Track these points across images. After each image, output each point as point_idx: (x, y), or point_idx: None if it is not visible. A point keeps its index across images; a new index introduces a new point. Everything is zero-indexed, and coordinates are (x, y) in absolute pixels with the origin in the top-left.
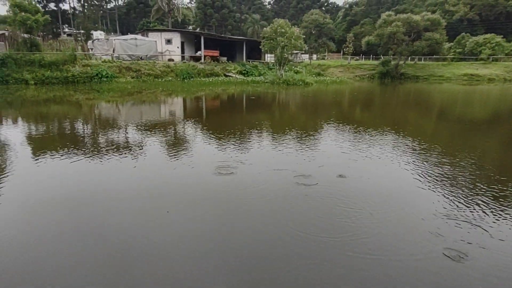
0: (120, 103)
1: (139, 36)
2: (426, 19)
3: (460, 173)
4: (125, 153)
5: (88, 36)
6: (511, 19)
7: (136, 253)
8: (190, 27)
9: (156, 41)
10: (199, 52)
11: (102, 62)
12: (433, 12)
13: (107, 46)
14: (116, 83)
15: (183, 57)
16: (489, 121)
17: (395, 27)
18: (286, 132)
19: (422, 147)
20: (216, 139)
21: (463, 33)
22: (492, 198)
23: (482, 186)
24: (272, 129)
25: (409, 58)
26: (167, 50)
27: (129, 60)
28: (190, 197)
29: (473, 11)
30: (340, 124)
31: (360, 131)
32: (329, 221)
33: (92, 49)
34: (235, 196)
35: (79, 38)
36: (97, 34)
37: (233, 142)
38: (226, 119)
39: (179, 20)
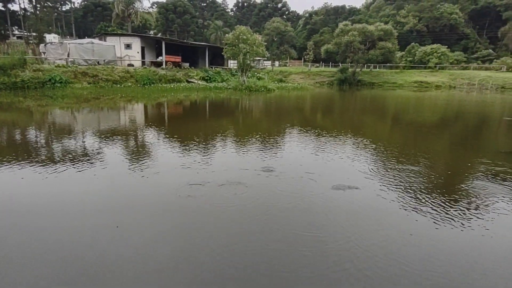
0: (76, 110)
1: (96, 40)
2: (379, 29)
3: (402, 164)
4: (79, 164)
5: (41, 39)
6: (454, 31)
7: (88, 268)
8: (151, 32)
9: (114, 46)
10: (160, 58)
11: (56, 66)
12: (386, 23)
13: (61, 50)
14: (71, 89)
15: (143, 63)
16: (438, 125)
17: (351, 36)
18: (249, 138)
19: (380, 147)
20: (178, 146)
21: (413, 43)
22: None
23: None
24: (235, 135)
25: (365, 65)
26: (127, 55)
27: (86, 65)
28: (150, 210)
29: (421, 22)
30: (303, 129)
31: (321, 135)
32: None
33: (44, 53)
34: (197, 209)
35: (31, 41)
36: (51, 37)
37: (195, 150)
38: (189, 125)
39: (140, 24)
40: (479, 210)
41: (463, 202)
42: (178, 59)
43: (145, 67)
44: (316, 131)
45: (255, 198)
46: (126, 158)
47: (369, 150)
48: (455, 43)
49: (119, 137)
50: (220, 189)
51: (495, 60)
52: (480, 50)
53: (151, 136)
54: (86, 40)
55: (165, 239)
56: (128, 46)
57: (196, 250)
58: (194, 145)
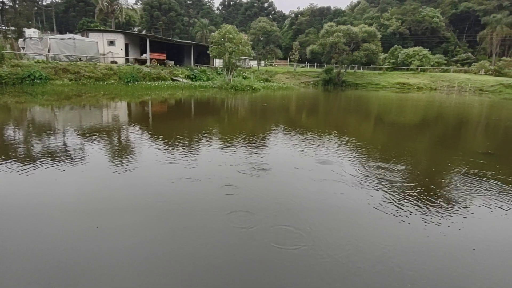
0: (57, 107)
1: (78, 36)
2: (363, 31)
3: (384, 163)
4: (59, 163)
5: (20, 34)
6: (435, 34)
7: (66, 268)
8: (136, 29)
9: (97, 42)
10: (144, 55)
11: (35, 62)
12: (370, 25)
13: (41, 46)
14: (52, 85)
15: (127, 60)
16: (419, 125)
17: (336, 37)
18: (233, 137)
19: (362, 147)
20: (162, 145)
21: (396, 45)
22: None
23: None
24: (220, 135)
25: (350, 66)
26: (110, 52)
27: (67, 61)
28: (131, 211)
29: (404, 25)
30: (287, 128)
31: (305, 134)
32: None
33: (24, 48)
34: (178, 208)
35: (9, 36)
36: (30, 32)
37: (179, 149)
38: (173, 124)
39: (124, 21)
40: (452, 207)
41: (438, 200)
42: (163, 56)
43: (129, 64)
44: (301, 130)
45: (242, 197)
46: (107, 158)
47: (351, 150)
48: (436, 46)
49: (100, 136)
50: (205, 189)
51: (473, 63)
52: (459, 54)
53: (134, 135)
54: (68, 35)
55: (144, 243)
56: (111, 43)
57: (178, 252)
58: (178, 144)
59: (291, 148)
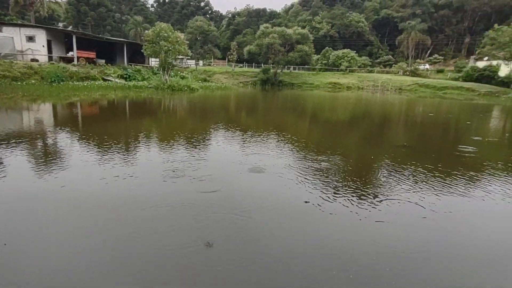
0: None
1: None
2: (297, 33)
3: (317, 156)
4: None
5: None
6: (361, 38)
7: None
8: (60, 25)
9: (13, 38)
10: (71, 53)
11: None
12: (303, 27)
13: None
14: None
15: (50, 58)
16: (348, 122)
17: (272, 38)
18: (169, 141)
19: (298, 142)
20: (91, 151)
21: (327, 47)
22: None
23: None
24: (154, 137)
25: (286, 67)
26: (29, 48)
27: None
28: (56, 225)
29: (333, 29)
30: (227, 127)
31: (243, 132)
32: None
33: None
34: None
35: None
36: None
37: (111, 153)
38: (105, 128)
39: (46, 15)
40: (371, 196)
41: (359, 189)
42: (92, 55)
43: (53, 63)
44: (239, 128)
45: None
46: (28, 167)
47: (287, 146)
48: (362, 49)
49: (18, 143)
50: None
51: (394, 65)
52: (382, 56)
53: (60, 139)
54: None
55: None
56: (30, 39)
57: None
58: (109, 149)
59: (229, 145)
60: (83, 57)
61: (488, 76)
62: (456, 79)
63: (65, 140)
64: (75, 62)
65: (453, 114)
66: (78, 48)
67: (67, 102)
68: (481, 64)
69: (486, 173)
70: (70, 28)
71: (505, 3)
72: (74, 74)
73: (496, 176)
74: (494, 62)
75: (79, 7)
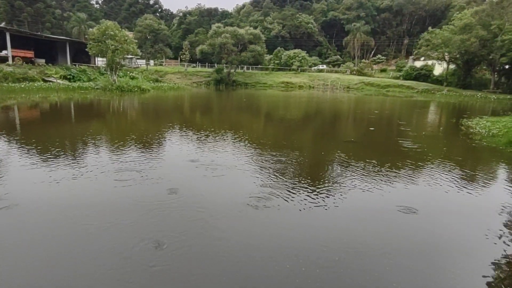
0: None
1: None
2: (249, 33)
3: (272, 152)
4: None
5: None
6: (311, 39)
7: None
8: None
9: None
10: (4, 52)
11: None
12: (255, 27)
13: None
14: None
15: None
16: (300, 119)
17: (224, 38)
18: (118, 144)
19: (253, 140)
20: (31, 155)
21: (279, 48)
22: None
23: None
24: (103, 141)
25: (239, 67)
26: None
27: None
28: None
29: (284, 29)
30: (180, 128)
31: (198, 133)
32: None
33: None
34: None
35: None
36: None
37: (54, 157)
38: (45, 132)
39: None
40: (323, 190)
41: (311, 184)
42: (29, 54)
43: None
44: (194, 129)
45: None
46: None
47: (241, 144)
48: (312, 49)
49: None
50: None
51: (341, 64)
52: (331, 56)
53: None
54: None
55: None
56: None
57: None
58: (53, 156)
59: (187, 146)
60: (19, 56)
61: (424, 75)
62: (397, 78)
63: None
64: (10, 61)
65: (395, 111)
66: (13, 47)
67: (1, 105)
68: (418, 63)
69: (425, 163)
70: (3, 25)
71: (437, 8)
72: (9, 74)
73: (434, 166)
74: (430, 62)
75: (13, 2)
